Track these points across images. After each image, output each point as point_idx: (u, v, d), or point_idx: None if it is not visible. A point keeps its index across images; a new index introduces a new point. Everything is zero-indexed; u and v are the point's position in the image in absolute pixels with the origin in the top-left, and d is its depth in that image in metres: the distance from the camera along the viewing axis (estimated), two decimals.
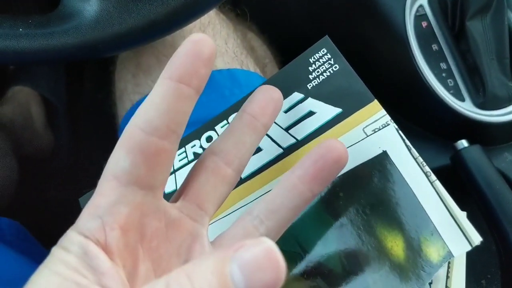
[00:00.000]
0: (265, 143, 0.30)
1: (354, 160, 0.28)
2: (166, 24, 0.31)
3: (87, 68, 0.71)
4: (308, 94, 0.30)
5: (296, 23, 0.59)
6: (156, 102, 0.22)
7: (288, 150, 0.30)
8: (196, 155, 0.32)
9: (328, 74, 0.30)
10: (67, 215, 0.27)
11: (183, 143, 0.32)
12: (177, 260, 0.24)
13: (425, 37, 0.45)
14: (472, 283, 0.43)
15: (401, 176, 0.28)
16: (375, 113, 0.29)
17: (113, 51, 0.32)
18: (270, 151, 0.30)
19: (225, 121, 0.32)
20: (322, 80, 0.30)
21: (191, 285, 0.17)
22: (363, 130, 0.29)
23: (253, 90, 0.28)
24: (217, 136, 0.32)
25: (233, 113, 0.31)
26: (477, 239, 0.26)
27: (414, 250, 0.26)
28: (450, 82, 0.44)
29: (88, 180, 0.30)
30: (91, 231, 0.21)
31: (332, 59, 0.30)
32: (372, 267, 0.27)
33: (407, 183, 0.27)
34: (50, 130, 0.68)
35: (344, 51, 0.31)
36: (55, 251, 0.21)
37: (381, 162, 0.28)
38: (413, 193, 0.27)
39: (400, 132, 0.28)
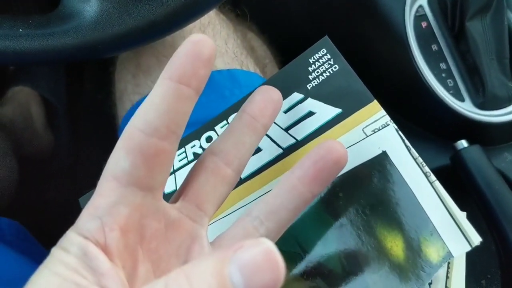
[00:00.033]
0: (264, 143, 0.30)
1: (354, 160, 0.28)
2: (166, 24, 0.31)
3: (87, 69, 0.71)
4: (307, 94, 0.30)
5: (296, 23, 0.59)
6: (156, 102, 0.22)
7: (288, 150, 0.30)
8: (196, 155, 0.32)
9: (328, 74, 0.30)
10: (67, 215, 0.27)
11: (183, 143, 0.32)
12: (177, 261, 0.24)
13: (425, 37, 0.45)
14: (472, 283, 0.43)
15: (400, 176, 0.28)
16: (374, 114, 0.29)
17: (113, 51, 0.32)
18: (269, 151, 0.30)
19: (225, 122, 0.32)
20: (321, 80, 0.30)
21: (190, 286, 0.17)
22: (362, 130, 0.29)
23: (253, 91, 0.28)
24: (217, 136, 0.32)
25: (233, 114, 0.31)
26: (476, 239, 0.26)
27: (413, 250, 0.26)
28: (449, 82, 0.44)
29: (88, 180, 0.30)
30: (91, 232, 0.21)
31: (331, 59, 0.30)
32: (372, 267, 0.27)
33: (407, 184, 0.27)
34: (50, 130, 0.67)
35: (344, 51, 0.31)
36: (55, 251, 0.21)
37: (381, 163, 0.28)
38: (413, 193, 0.27)
39: (399, 132, 0.28)
